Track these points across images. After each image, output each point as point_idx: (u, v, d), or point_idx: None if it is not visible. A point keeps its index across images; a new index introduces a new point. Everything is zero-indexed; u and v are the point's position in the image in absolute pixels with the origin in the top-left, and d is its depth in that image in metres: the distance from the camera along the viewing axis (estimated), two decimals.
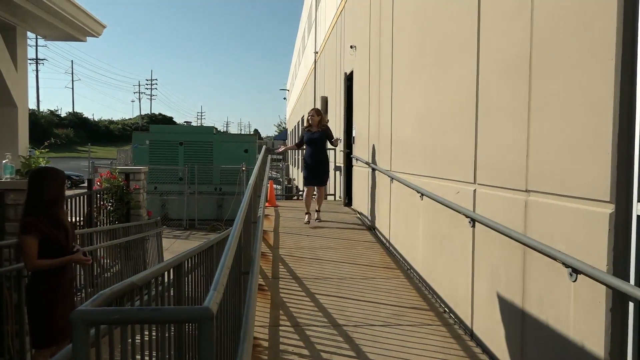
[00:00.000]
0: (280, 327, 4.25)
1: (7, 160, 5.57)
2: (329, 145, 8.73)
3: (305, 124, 8.52)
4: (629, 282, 2.48)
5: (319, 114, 8.37)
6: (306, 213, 8.37)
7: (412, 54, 6.04)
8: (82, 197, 7.34)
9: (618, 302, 2.49)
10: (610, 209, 2.52)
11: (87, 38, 6.93)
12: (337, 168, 11.82)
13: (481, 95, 3.99)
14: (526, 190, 3.28)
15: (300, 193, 15.89)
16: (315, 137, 8.27)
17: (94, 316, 1.41)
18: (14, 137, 5.95)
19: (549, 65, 3.05)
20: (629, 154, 2.48)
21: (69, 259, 3.93)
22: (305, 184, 8.43)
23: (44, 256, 3.83)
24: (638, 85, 2.44)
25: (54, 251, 3.86)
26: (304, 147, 8.48)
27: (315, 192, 8.53)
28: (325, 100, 14.65)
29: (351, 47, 9.97)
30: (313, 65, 19.21)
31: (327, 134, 8.39)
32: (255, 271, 2.61)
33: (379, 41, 7.66)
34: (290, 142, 40.47)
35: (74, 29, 6.56)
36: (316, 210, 8.39)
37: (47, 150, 6.24)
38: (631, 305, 2.46)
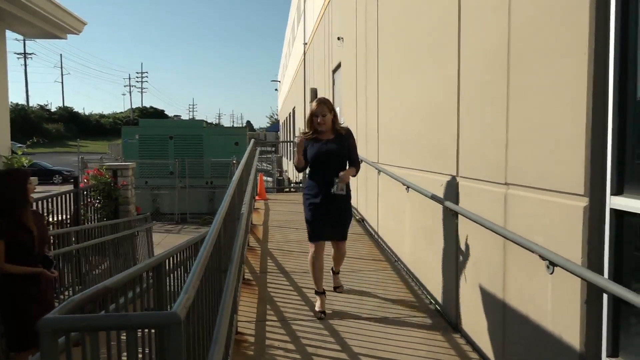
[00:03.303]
0: (267, 322, 4.27)
1: None
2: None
3: (307, 128, 4.64)
4: (604, 274, 2.51)
5: (332, 109, 4.52)
6: (317, 293, 4.54)
7: (397, 46, 6.03)
8: (68, 194, 7.31)
9: (593, 294, 2.52)
10: (584, 202, 2.54)
11: (68, 35, 6.88)
12: None
13: (462, 89, 4.01)
14: (505, 183, 3.30)
15: (294, 185, 15.33)
16: (330, 149, 4.43)
17: (60, 324, 1.41)
18: None
19: (526, 60, 3.06)
20: (602, 148, 2.50)
21: (34, 272, 3.88)
22: (312, 237, 4.50)
23: (11, 259, 3.79)
24: (610, 80, 2.46)
25: (19, 254, 3.81)
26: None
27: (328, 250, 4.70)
28: (315, 92, 14.61)
29: (338, 38, 9.95)
30: (303, 57, 19.14)
31: (350, 145, 4.57)
32: (232, 270, 2.62)
33: (365, 33, 7.65)
34: (283, 135, 38.85)
35: (53, 26, 6.48)
36: (333, 271, 4.98)
37: (29, 147, 6.19)
38: (605, 297, 2.49)
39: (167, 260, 3.64)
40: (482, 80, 3.67)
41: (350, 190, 4.57)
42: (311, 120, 4.52)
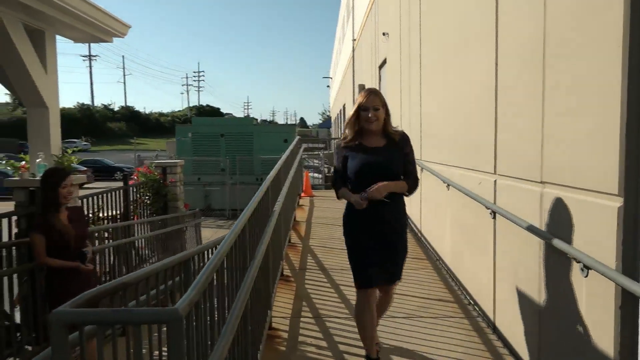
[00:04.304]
0: (302, 318, 4.30)
1: (40, 159, 5.86)
2: None
3: (347, 131, 3.36)
4: (639, 276, 2.38)
5: (385, 104, 3.29)
6: (367, 354, 3.44)
7: (438, 42, 5.92)
8: (118, 191, 7.63)
9: (628, 299, 2.39)
10: (619, 202, 2.42)
11: (114, 38, 7.21)
12: None
13: (499, 87, 3.90)
14: (541, 182, 3.18)
15: None
16: (378, 161, 3.24)
17: (70, 317, 1.49)
18: (46, 137, 6.26)
19: (561, 57, 2.93)
20: (638, 146, 2.36)
21: (71, 266, 4.10)
22: (360, 282, 3.34)
23: (49, 254, 4.04)
24: None
25: (51, 251, 4.05)
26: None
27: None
28: (362, 89, 14.55)
29: (384, 34, 9.86)
30: (352, 53, 19.10)
31: (405, 155, 3.34)
32: (254, 265, 2.66)
33: (409, 30, 7.55)
34: (335, 132, 38.35)
35: (99, 31, 6.81)
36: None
37: (78, 149, 6.52)
38: None
39: (193, 257, 3.73)
40: (517, 78, 3.55)
41: (406, 215, 3.50)
42: (357, 116, 3.26)
